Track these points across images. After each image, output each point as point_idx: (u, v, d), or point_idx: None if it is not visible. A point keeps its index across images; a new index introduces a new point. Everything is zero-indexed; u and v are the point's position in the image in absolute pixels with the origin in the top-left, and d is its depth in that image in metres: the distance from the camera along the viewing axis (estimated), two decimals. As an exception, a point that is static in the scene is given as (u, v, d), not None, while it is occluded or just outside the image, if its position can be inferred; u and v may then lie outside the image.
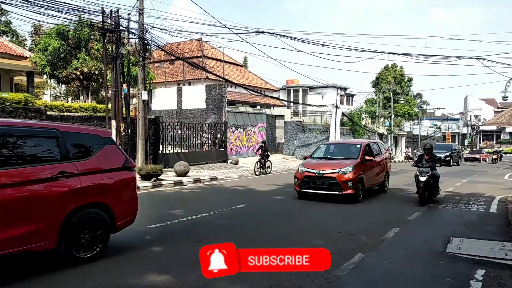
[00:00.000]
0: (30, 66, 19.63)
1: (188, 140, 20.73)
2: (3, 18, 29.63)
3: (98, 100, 22.85)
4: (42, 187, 4.77)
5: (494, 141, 66.51)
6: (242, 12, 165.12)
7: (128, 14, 14.85)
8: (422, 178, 10.25)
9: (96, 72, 20.64)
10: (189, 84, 29.86)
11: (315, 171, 10.75)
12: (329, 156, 12.06)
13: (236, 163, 22.06)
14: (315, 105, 34.55)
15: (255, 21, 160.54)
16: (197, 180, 14.99)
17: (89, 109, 16.17)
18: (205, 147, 21.70)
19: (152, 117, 18.77)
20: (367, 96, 47.31)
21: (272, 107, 33.54)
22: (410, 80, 47.70)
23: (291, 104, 37.71)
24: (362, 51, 33.45)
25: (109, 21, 14.71)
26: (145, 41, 15.53)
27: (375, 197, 11.87)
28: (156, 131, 17.89)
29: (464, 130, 65.88)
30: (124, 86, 15.40)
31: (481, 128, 64.43)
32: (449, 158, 28.63)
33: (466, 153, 40.66)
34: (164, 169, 15.23)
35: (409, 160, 31.99)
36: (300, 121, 32.78)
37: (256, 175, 17.69)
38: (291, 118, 33.37)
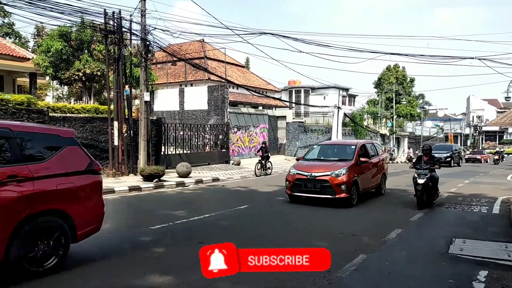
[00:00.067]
0: (33, 68, 19.70)
1: (190, 141, 20.73)
2: (6, 20, 29.82)
3: (100, 101, 22.88)
4: None
5: (497, 142, 66.27)
6: (241, 12, 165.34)
7: (130, 15, 14.89)
8: (421, 181, 9.80)
9: (99, 73, 20.70)
10: (191, 85, 29.93)
11: (307, 174, 10.15)
12: (322, 158, 11.39)
13: (238, 164, 22.06)
14: (317, 106, 34.60)
15: (254, 21, 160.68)
16: (199, 181, 14.99)
17: (91, 110, 16.21)
18: (207, 148, 21.71)
19: (154, 118, 18.79)
20: (369, 96, 47.34)
21: (274, 108, 33.56)
22: (412, 80, 47.65)
23: (293, 105, 37.75)
24: (364, 52, 33.42)
25: (111, 22, 14.79)
26: (147, 43, 15.57)
27: (377, 198, 11.82)
28: (158, 132, 17.90)
29: (467, 131, 65.75)
30: (126, 87, 15.44)
31: (484, 128, 64.28)
32: (449, 159, 28.42)
33: (467, 154, 40.50)
34: (166, 170, 15.24)
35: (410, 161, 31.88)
36: (302, 122, 32.78)
37: (257, 176, 17.68)
38: (293, 119, 33.37)
